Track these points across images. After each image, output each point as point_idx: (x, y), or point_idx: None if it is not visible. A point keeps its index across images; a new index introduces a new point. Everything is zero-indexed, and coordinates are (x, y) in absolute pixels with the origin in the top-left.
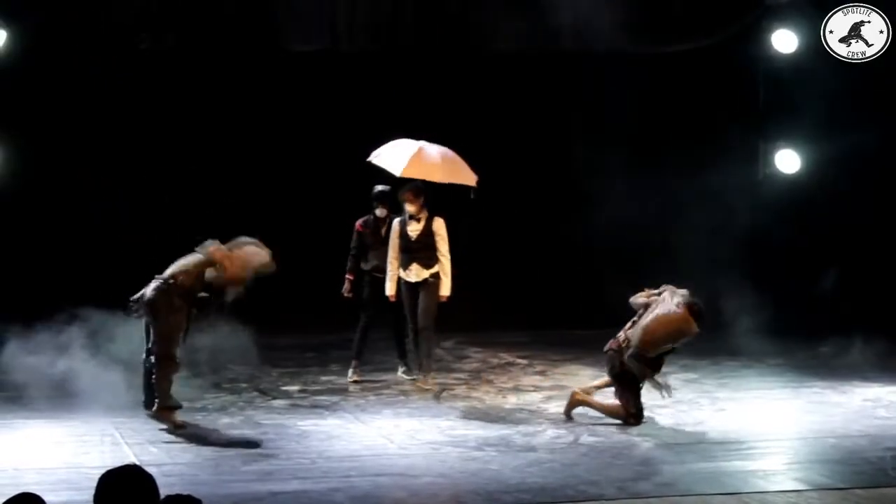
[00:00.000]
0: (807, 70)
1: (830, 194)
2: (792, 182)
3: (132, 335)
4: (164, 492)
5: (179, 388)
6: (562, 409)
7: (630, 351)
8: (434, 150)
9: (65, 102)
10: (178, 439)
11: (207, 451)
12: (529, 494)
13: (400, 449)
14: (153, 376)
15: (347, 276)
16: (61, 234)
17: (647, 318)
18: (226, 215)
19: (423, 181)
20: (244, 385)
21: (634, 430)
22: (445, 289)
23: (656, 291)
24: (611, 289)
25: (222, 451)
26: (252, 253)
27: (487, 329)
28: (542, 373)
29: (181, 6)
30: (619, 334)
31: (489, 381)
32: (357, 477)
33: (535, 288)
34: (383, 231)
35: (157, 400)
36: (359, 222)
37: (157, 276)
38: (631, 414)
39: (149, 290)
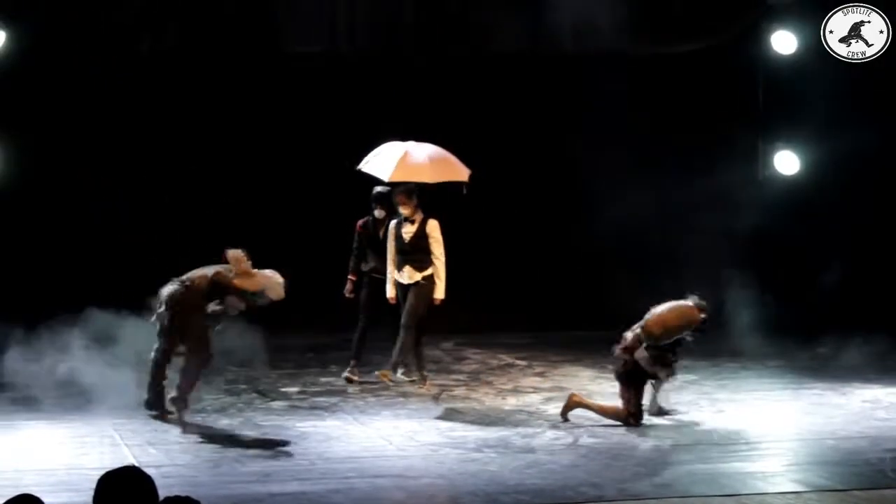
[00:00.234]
0: (806, 71)
1: (830, 195)
2: (791, 183)
3: (132, 335)
4: (163, 493)
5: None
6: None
7: (644, 342)
8: (421, 151)
9: (65, 103)
10: (178, 441)
11: (206, 453)
12: (528, 496)
13: (399, 450)
14: (159, 376)
15: (349, 276)
16: (61, 234)
17: (659, 308)
18: (226, 215)
19: (416, 183)
20: (243, 386)
21: (634, 431)
22: (439, 292)
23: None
24: (610, 290)
25: (221, 452)
26: (268, 276)
27: (487, 330)
28: (541, 374)
29: (181, 7)
30: (626, 334)
31: (488, 383)
32: (356, 478)
33: (535, 289)
34: (381, 232)
35: (175, 393)
36: (359, 223)
37: (174, 279)
38: (631, 413)
39: (167, 290)
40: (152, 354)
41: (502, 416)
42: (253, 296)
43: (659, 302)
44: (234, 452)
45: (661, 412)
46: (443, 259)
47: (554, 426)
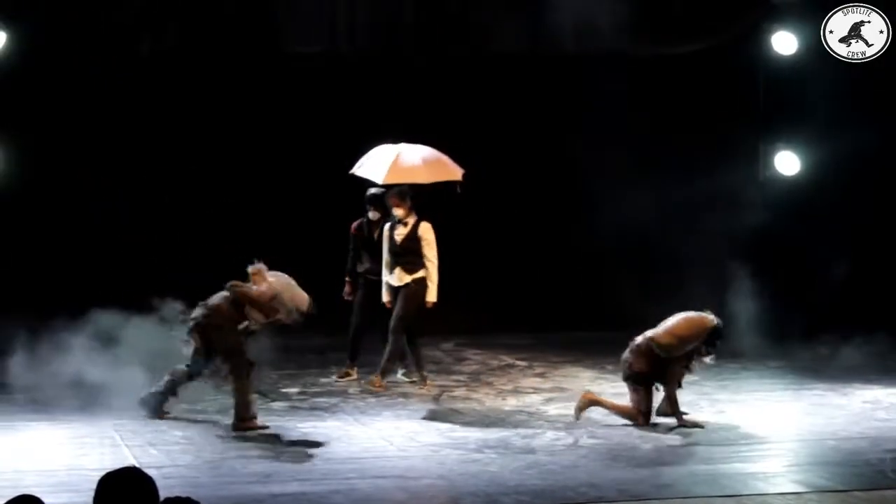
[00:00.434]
0: (807, 71)
1: (830, 195)
2: (792, 183)
3: (133, 335)
4: (163, 494)
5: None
6: (562, 411)
7: (657, 352)
8: (414, 153)
9: (65, 103)
10: (178, 441)
11: (207, 454)
12: (529, 496)
13: (399, 451)
14: (170, 389)
15: (346, 279)
16: (61, 234)
17: (671, 320)
18: (226, 215)
19: (410, 184)
20: None
21: (635, 432)
22: (431, 295)
23: None
24: (611, 290)
25: (222, 453)
26: (281, 280)
27: (487, 331)
28: (541, 375)
29: (181, 7)
30: (636, 338)
31: (489, 383)
32: (357, 479)
33: (535, 290)
34: (376, 234)
35: (235, 416)
36: (353, 225)
37: (200, 303)
38: (641, 412)
39: (193, 315)
40: (182, 366)
41: (503, 416)
42: (272, 305)
43: (659, 303)
44: (234, 453)
45: (668, 413)
46: (435, 262)
47: (554, 427)
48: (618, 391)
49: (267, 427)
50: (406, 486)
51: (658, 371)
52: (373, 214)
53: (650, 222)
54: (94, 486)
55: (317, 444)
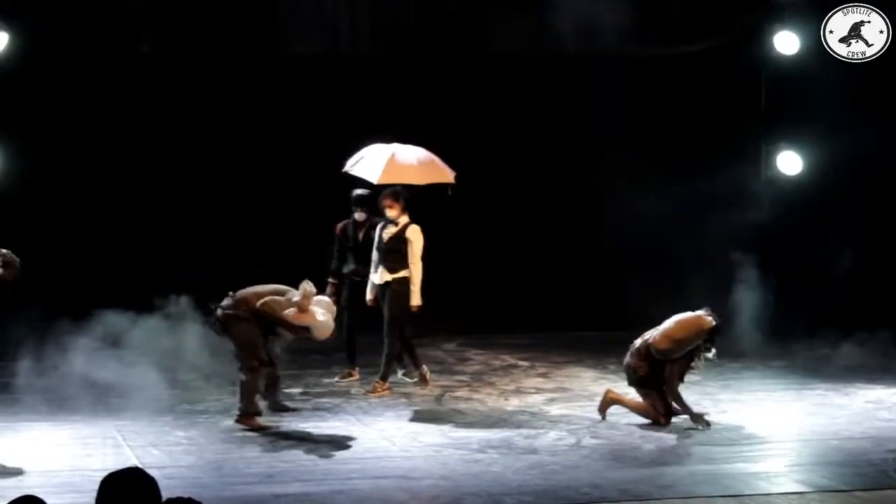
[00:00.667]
0: (809, 71)
1: (833, 195)
2: (795, 183)
3: (135, 335)
4: (166, 494)
5: (185, 390)
6: (564, 411)
7: (656, 356)
8: (408, 153)
9: (65, 103)
10: (181, 442)
11: (209, 454)
12: (531, 497)
13: (402, 451)
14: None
15: (329, 279)
16: (61, 234)
17: (666, 323)
18: (226, 216)
19: (403, 185)
20: None
21: (637, 432)
22: (415, 298)
23: None
24: (613, 290)
25: (224, 453)
26: (320, 319)
27: (489, 331)
28: (544, 375)
29: (181, 8)
30: (635, 342)
31: (491, 384)
32: (359, 479)
33: (538, 290)
34: (361, 235)
35: (239, 406)
36: (338, 226)
37: (229, 294)
38: (661, 414)
39: (220, 307)
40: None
41: (505, 416)
42: (300, 329)
43: (661, 303)
44: (236, 454)
45: (676, 412)
46: (419, 265)
47: (557, 427)
48: (622, 391)
49: (268, 428)
50: (408, 487)
51: (661, 373)
52: (359, 215)
53: (653, 222)
54: (96, 486)
55: (319, 445)
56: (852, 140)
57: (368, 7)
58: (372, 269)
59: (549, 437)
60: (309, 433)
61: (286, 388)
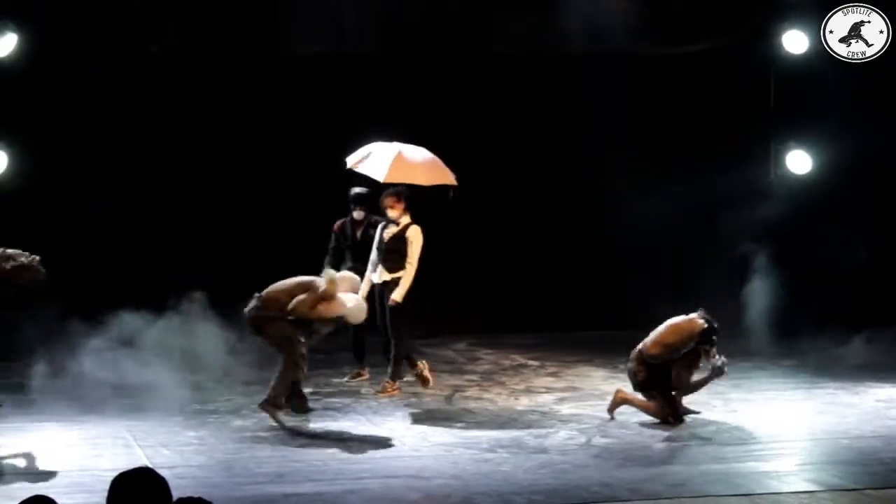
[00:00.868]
0: (818, 70)
1: (842, 194)
2: (804, 182)
3: (134, 336)
4: (176, 494)
5: (194, 390)
6: (574, 410)
7: (651, 361)
8: (414, 152)
9: (65, 104)
10: (191, 442)
11: (220, 454)
12: (541, 496)
13: (412, 450)
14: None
15: None
16: (61, 234)
17: (658, 328)
18: (225, 215)
19: (405, 185)
20: (256, 387)
21: (647, 431)
22: (398, 294)
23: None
24: (623, 290)
25: (235, 453)
26: (348, 305)
27: (499, 331)
28: (554, 374)
29: (185, 8)
30: (637, 346)
31: (501, 383)
32: (369, 478)
33: (547, 289)
34: (359, 233)
35: (269, 393)
36: (336, 224)
37: (255, 294)
38: (669, 415)
39: (248, 308)
40: None
41: (515, 416)
42: (336, 319)
43: (670, 301)
44: (247, 453)
45: (686, 412)
46: (414, 265)
47: (567, 426)
48: (632, 391)
49: (285, 424)
50: (419, 486)
51: (661, 376)
52: (357, 214)
53: (662, 221)
54: (107, 486)
55: (329, 445)
56: (861, 139)
57: (374, 7)
58: (370, 269)
59: (560, 437)
60: (319, 433)
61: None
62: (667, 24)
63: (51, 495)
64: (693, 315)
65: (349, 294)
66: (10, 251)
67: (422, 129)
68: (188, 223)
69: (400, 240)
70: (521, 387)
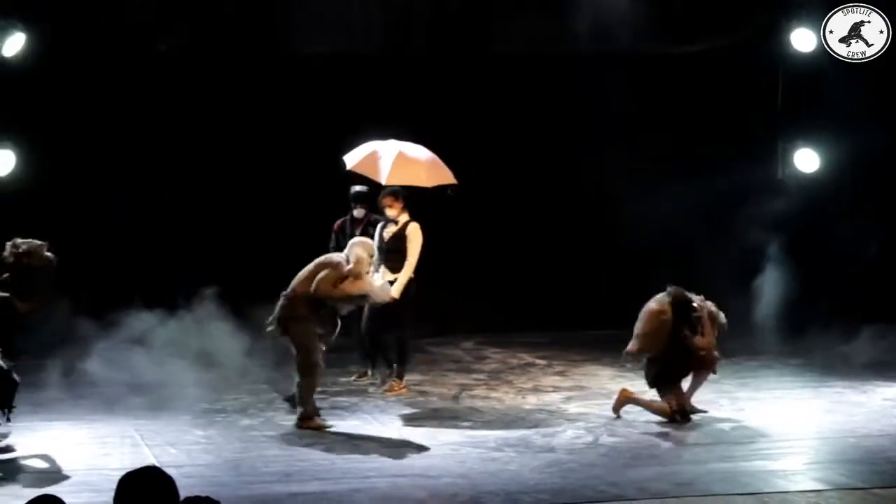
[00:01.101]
0: (826, 69)
1: (850, 192)
2: (812, 181)
3: (135, 336)
4: (183, 493)
5: (203, 389)
6: (581, 409)
7: (640, 357)
8: (415, 152)
9: (73, 103)
10: (198, 441)
11: (227, 453)
12: (549, 495)
13: (419, 449)
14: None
15: None
16: (70, 232)
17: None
18: (226, 216)
19: (405, 185)
20: (264, 386)
21: (654, 429)
22: (395, 290)
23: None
24: (630, 288)
25: (242, 452)
26: (374, 285)
27: (506, 330)
28: (561, 373)
29: (193, 8)
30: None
31: (508, 382)
32: (377, 477)
33: (555, 288)
34: (359, 232)
35: (299, 409)
36: (336, 223)
37: (282, 293)
38: (675, 411)
39: (276, 309)
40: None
41: (522, 415)
42: (359, 298)
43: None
44: (254, 452)
45: (693, 410)
46: (413, 262)
47: (574, 425)
48: (638, 390)
49: (332, 426)
50: (426, 485)
51: (662, 369)
52: (357, 212)
53: (669, 221)
54: (114, 485)
55: (336, 443)
56: (869, 137)
57: (372, 7)
58: (372, 269)
59: (567, 436)
60: (326, 432)
61: None
62: (668, 24)
63: (58, 494)
64: (660, 295)
65: (377, 276)
66: (18, 240)
67: (422, 129)
68: (188, 223)
69: (400, 238)
70: (529, 386)
